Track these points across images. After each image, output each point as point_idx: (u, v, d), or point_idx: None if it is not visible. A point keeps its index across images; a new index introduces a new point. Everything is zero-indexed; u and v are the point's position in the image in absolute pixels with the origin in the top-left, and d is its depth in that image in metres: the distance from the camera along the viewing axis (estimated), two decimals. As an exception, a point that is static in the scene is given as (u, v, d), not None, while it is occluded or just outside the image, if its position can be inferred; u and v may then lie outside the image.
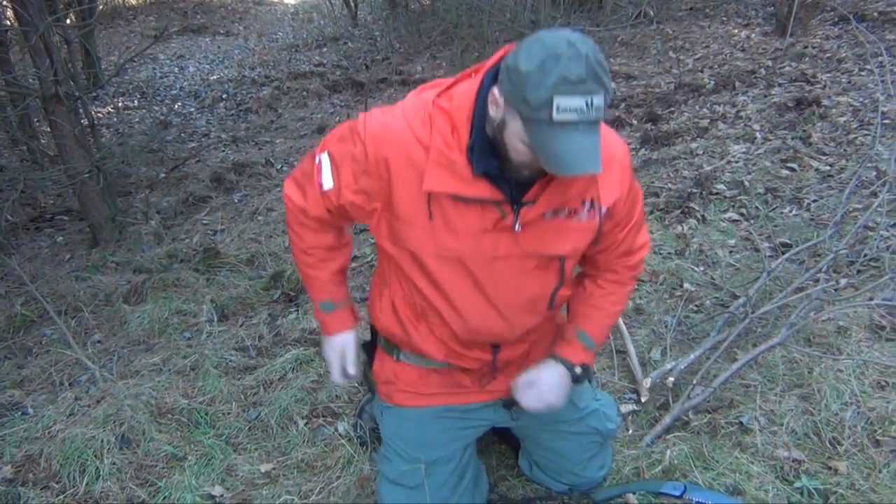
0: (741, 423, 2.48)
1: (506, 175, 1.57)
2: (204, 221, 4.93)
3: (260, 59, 10.86)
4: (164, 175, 5.71)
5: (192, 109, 8.58)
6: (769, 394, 2.59)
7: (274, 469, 2.58)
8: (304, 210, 1.83)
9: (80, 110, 4.56)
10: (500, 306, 1.76)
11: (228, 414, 2.85)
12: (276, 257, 4.30)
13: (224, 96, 8.92)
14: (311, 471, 2.56)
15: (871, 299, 3.03)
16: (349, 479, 2.45)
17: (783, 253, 3.40)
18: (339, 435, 2.67)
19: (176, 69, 11.11)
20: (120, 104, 9.12)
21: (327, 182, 1.73)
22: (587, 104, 1.36)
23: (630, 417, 2.63)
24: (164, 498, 2.45)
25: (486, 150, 1.55)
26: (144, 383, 3.00)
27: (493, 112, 1.51)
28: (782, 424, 2.45)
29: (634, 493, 2.23)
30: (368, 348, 2.16)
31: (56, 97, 4.27)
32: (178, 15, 14.91)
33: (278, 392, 2.93)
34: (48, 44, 4.23)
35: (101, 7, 12.68)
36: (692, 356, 2.68)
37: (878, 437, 2.37)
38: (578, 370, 1.91)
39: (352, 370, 2.05)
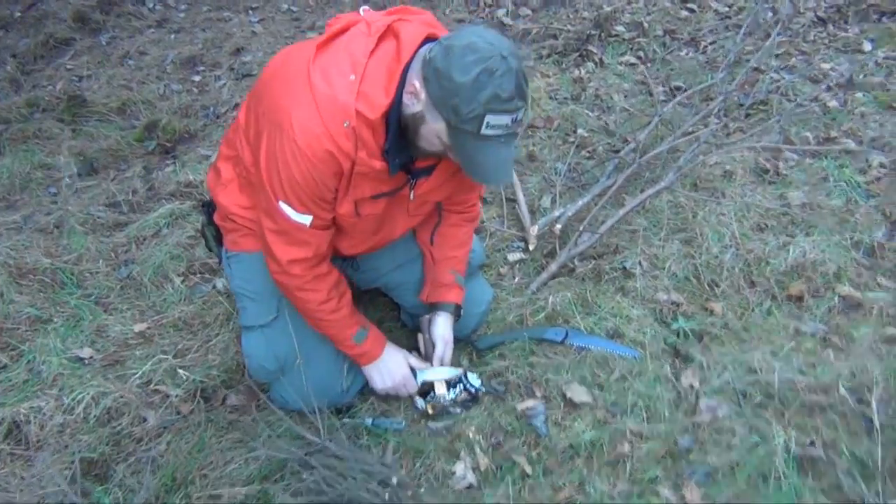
0: (625, 268, 2.49)
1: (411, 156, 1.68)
2: (68, 66, 4.45)
3: None
4: (19, 13, 5.09)
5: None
6: (654, 239, 2.60)
7: (148, 329, 2.45)
8: (311, 257, 1.78)
9: None
10: (382, 238, 1.96)
11: (97, 273, 2.67)
12: (151, 105, 3.95)
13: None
14: (188, 329, 2.45)
15: (758, 142, 3.05)
16: (228, 336, 2.36)
17: (676, 97, 3.35)
18: (218, 292, 2.55)
19: None
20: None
21: (305, 219, 1.70)
22: (513, 120, 1.48)
23: (518, 266, 2.60)
24: (28, 362, 2.30)
25: (399, 147, 1.62)
26: (2, 242, 2.75)
27: (410, 101, 1.54)
28: (664, 268, 2.48)
29: (517, 341, 2.23)
30: (208, 209, 2.08)
31: None
32: None
33: (151, 249, 2.75)
34: None
35: None
36: (580, 202, 2.65)
37: (753, 279, 2.44)
38: (459, 309, 2.11)
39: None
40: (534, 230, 2.58)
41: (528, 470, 1.85)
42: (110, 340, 2.40)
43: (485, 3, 4.75)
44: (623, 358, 2.16)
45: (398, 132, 1.61)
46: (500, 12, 4.59)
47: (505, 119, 1.47)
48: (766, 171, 2.94)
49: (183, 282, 2.62)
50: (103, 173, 3.45)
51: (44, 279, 2.60)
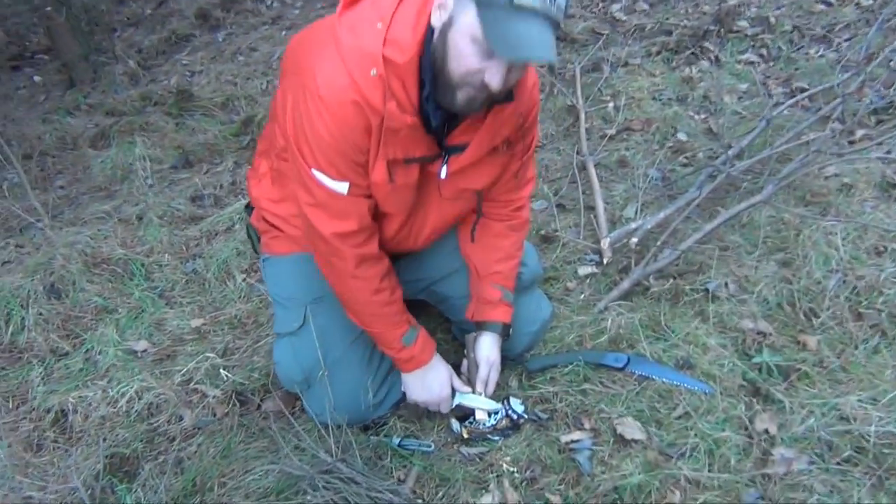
0: (707, 289, 2.21)
1: (443, 106, 1.49)
2: (184, 62, 4.62)
3: None
4: (149, 12, 5.36)
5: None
6: (746, 258, 2.30)
7: (204, 325, 2.44)
8: (357, 231, 1.64)
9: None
10: (412, 228, 1.78)
11: (165, 266, 2.69)
12: (251, 100, 4.00)
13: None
14: (242, 327, 2.41)
15: (888, 152, 2.65)
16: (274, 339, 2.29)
17: (795, 97, 2.97)
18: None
19: None
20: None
21: (342, 186, 1.57)
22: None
23: (588, 281, 2.38)
24: (87, 351, 2.34)
25: (438, 98, 1.47)
26: (84, 231, 2.84)
27: (438, 18, 1.40)
28: (754, 292, 2.18)
29: (571, 364, 2.02)
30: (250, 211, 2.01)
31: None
32: None
33: (221, 244, 2.75)
34: None
35: None
36: (661, 214, 2.38)
37: (860, 310, 2.09)
38: (508, 328, 1.92)
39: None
40: (605, 243, 2.34)
41: (561, 512, 1.65)
42: (166, 334, 2.41)
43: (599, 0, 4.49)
44: (691, 392, 1.90)
45: (433, 77, 1.45)
46: (615, 7, 4.32)
47: None
48: (895, 187, 2.54)
49: (245, 279, 2.60)
50: (197, 166, 3.52)
51: (115, 269, 2.65)
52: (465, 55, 1.36)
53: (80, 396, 2.16)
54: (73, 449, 2.02)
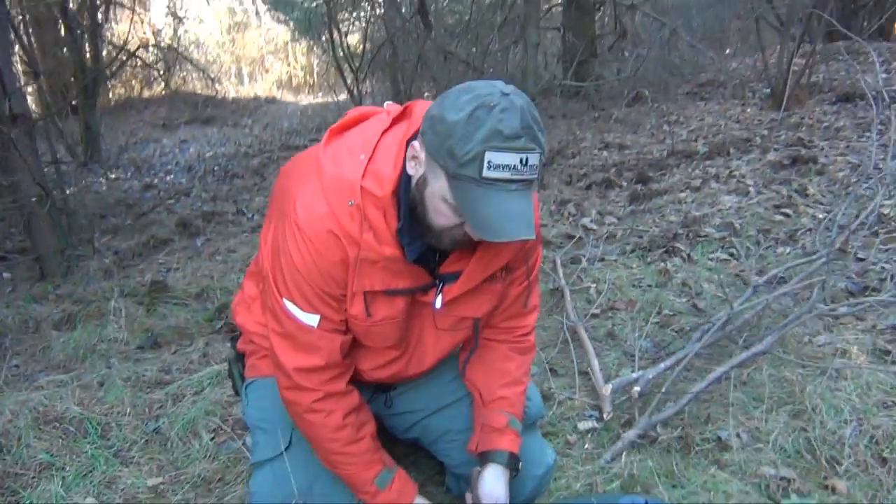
0: (719, 438, 2.07)
1: (430, 244, 1.43)
2: (160, 261, 4.62)
3: (259, 140, 10.84)
4: (129, 222, 5.46)
5: (183, 180, 8.43)
6: (754, 411, 2.19)
7: (162, 483, 2.16)
8: (323, 367, 1.54)
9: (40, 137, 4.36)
10: (411, 360, 1.70)
11: (125, 425, 2.45)
12: (227, 292, 3.94)
13: (216, 168, 8.79)
14: (205, 486, 2.14)
15: (873, 327, 2.67)
16: (245, 491, 2.03)
17: (777, 285, 3.03)
18: (246, 447, 2.26)
19: (177, 150, 11.06)
20: (112, 175, 9.00)
21: (312, 319, 1.50)
22: (521, 162, 1.22)
23: (589, 435, 2.21)
24: (21, 509, 2.04)
25: (415, 231, 1.42)
26: (40, 392, 2.61)
27: (413, 169, 1.36)
28: (769, 441, 2.04)
29: (583, 509, 1.80)
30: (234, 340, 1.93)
31: (12, 117, 4.07)
32: (189, 107, 15.05)
33: (188, 405, 2.53)
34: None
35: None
36: (662, 365, 2.29)
37: (884, 456, 1.96)
38: (516, 461, 1.71)
39: None
40: (607, 389, 2.22)
41: None
42: (118, 493, 2.12)
43: (569, 213, 4.73)
44: (719, 536, 1.70)
45: (409, 211, 1.40)
46: (585, 219, 4.53)
47: (510, 158, 1.21)
48: (888, 353, 2.52)
49: (212, 438, 2.36)
50: (165, 347, 3.36)
51: (68, 427, 2.39)
52: (444, 213, 1.33)
53: (7, 554, 1.83)
54: None
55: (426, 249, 1.46)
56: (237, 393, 1.92)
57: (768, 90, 7.58)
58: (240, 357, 1.88)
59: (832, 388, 2.25)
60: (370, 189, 1.38)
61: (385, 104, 1.57)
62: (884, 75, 7.13)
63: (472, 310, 1.63)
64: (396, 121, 1.48)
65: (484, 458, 1.70)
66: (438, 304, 1.57)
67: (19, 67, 8.85)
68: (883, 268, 3.19)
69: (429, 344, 1.67)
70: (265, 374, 1.75)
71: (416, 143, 1.34)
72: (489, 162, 1.21)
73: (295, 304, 1.47)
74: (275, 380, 1.65)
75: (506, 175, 1.22)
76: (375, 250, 1.41)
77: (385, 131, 1.45)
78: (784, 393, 2.27)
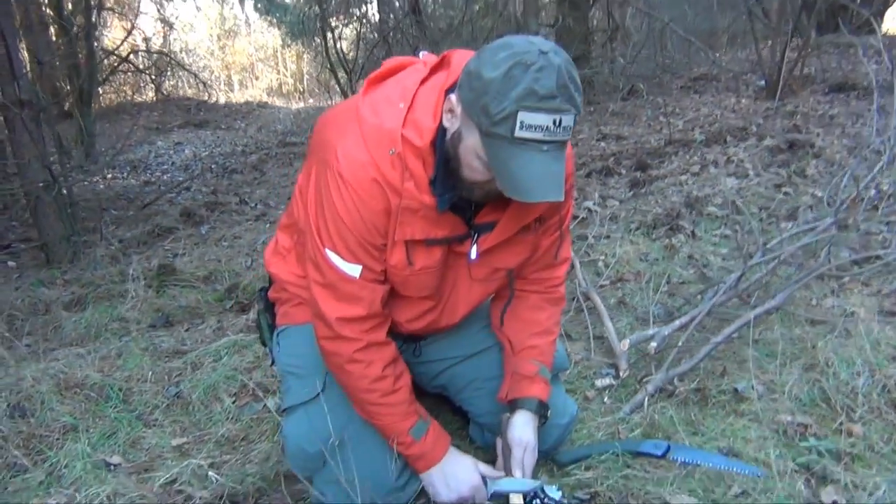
0: (736, 389, 2.11)
1: (463, 196, 1.46)
2: (166, 248, 4.64)
3: (255, 140, 10.86)
4: (132, 213, 5.48)
5: (181, 177, 8.44)
6: (768, 366, 2.23)
7: (186, 443, 2.19)
8: (365, 317, 1.55)
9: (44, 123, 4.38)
10: (444, 310, 1.71)
11: (146, 391, 2.47)
12: (236, 274, 3.96)
13: (213, 166, 8.81)
14: (229, 444, 2.17)
15: (879, 291, 2.73)
16: (271, 447, 2.07)
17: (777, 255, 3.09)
18: (269, 409, 2.29)
19: (172, 151, 11.06)
20: (109, 175, 8.99)
21: (354, 269, 1.52)
22: (555, 123, 1.24)
23: (607, 391, 2.25)
24: (51, 465, 2.06)
25: (447, 182, 1.44)
26: (59, 361, 2.64)
27: (449, 122, 1.38)
28: (784, 392, 2.09)
29: (606, 453, 1.84)
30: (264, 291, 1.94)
31: (20, 103, 4.09)
32: (181, 111, 15.03)
33: (207, 372, 2.56)
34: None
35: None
36: (677, 322, 2.34)
37: (898, 402, 2.00)
38: (545, 408, 1.74)
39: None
40: (624, 345, 2.26)
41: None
42: (144, 452, 2.15)
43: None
44: (743, 475, 1.73)
45: (444, 161, 1.42)
46: (588, 203, 4.58)
47: (543, 119, 1.22)
48: (894, 314, 2.57)
49: (234, 402, 2.39)
50: (178, 326, 3.38)
51: (90, 393, 2.42)
52: (476, 169, 1.36)
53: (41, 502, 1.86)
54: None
55: (461, 200, 1.49)
56: (264, 344, 1.94)
57: (762, 82, 7.67)
58: (269, 307, 1.91)
59: (843, 343, 2.29)
60: (410, 138, 1.40)
61: (420, 53, 1.60)
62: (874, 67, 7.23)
63: (506, 260, 1.65)
64: (434, 70, 1.50)
65: (514, 405, 1.73)
66: (474, 254, 1.59)
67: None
68: (885, 237, 3.25)
69: (462, 294, 1.70)
70: (297, 321, 1.77)
71: (452, 97, 1.36)
72: (522, 122, 1.23)
73: (338, 254, 1.49)
74: (308, 327, 1.67)
75: (538, 136, 1.24)
76: (416, 199, 1.43)
77: (423, 80, 1.47)
78: (796, 349, 2.31)
